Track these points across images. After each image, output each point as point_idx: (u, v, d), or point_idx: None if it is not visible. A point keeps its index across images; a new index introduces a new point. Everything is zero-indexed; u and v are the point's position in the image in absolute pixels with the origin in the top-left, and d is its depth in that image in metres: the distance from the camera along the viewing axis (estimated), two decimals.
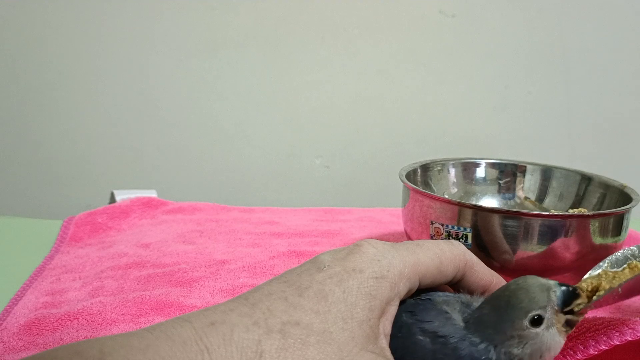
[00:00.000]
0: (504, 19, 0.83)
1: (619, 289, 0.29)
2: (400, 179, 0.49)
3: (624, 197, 0.48)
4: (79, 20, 0.80)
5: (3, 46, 0.80)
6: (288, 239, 0.59)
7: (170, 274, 0.48)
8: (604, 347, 0.31)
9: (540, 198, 0.55)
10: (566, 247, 0.42)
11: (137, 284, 0.47)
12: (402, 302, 0.29)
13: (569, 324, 0.27)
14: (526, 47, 0.85)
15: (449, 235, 0.43)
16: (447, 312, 0.28)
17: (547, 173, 0.55)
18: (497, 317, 0.27)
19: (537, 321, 0.26)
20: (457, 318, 0.28)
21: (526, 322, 0.26)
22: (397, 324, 0.28)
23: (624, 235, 0.45)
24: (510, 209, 0.47)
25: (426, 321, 0.28)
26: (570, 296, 0.27)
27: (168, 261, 0.52)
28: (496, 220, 0.42)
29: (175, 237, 0.59)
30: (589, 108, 0.87)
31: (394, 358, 0.27)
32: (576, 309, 0.27)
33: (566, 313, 0.27)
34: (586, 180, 0.53)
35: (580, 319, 0.27)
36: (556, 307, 0.26)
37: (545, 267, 0.42)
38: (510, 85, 0.85)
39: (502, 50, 0.84)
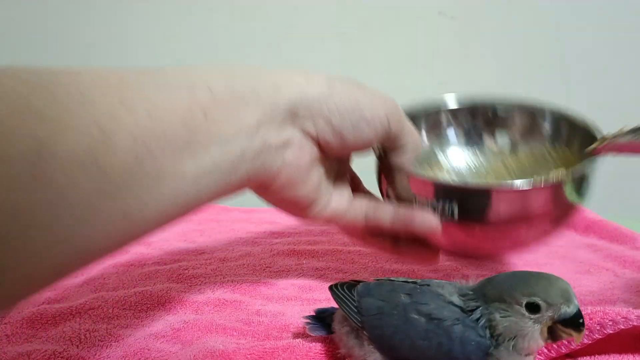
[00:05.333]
0: (503, 21, 0.84)
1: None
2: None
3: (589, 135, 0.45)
4: (79, 21, 0.81)
5: (3, 46, 0.81)
6: (288, 238, 0.59)
7: (171, 271, 0.49)
8: (597, 335, 0.32)
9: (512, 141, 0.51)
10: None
11: (138, 280, 0.47)
12: (401, 286, 0.31)
13: (552, 336, 0.28)
14: (525, 49, 0.85)
15: (434, 209, 0.40)
16: (442, 295, 0.29)
17: (515, 113, 0.50)
18: (508, 280, 0.28)
19: (532, 308, 0.27)
20: (454, 298, 0.29)
21: (524, 300, 0.27)
22: (393, 302, 0.29)
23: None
24: (475, 186, 0.42)
25: (422, 303, 0.29)
26: (574, 320, 0.27)
27: (169, 259, 0.52)
28: (473, 197, 0.39)
29: (176, 236, 0.59)
30: (589, 110, 0.87)
31: (386, 334, 0.29)
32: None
33: (561, 324, 0.27)
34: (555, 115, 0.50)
35: (565, 337, 0.28)
36: (556, 317, 0.27)
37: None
38: (509, 87, 0.86)
39: (501, 52, 0.85)
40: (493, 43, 0.85)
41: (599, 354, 0.33)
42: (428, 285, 0.30)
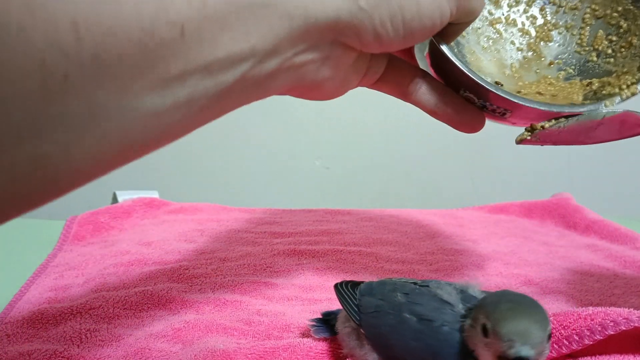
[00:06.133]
0: None
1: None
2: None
3: None
4: None
5: None
6: (288, 238, 0.59)
7: (172, 271, 0.49)
8: (598, 337, 0.31)
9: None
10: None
11: (139, 280, 0.47)
12: (402, 286, 0.31)
13: None
14: None
15: (483, 107, 0.37)
16: (439, 295, 0.29)
17: None
18: (493, 298, 0.27)
19: (484, 331, 0.26)
20: (452, 298, 0.29)
21: (481, 321, 0.26)
22: (390, 302, 0.30)
23: None
24: (553, 109, 0.36)
25: (416, 303, 0.29)
26: None
27: (170, 259, 0.52)
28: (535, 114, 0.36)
29: (176, 236, 0.59)
30: None
31: (382, 334, 0.30)
32: None
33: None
34: None
35: None
36: (500, 351, 0.25)
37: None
38: None
39: None
40: None
41: (600, 354, 0.33)
42: (427, 286, 0.30)
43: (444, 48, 0.34)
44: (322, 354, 0.34)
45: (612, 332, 0.31)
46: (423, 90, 0.36)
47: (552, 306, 0.43)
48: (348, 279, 0.49)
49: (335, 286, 0.36)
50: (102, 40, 0.20)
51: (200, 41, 0.22)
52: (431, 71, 0.38)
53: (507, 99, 0.35)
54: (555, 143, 0.37)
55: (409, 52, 0.38)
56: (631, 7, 0.40)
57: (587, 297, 0.45)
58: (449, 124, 0.37)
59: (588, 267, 0.52)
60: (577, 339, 0.32)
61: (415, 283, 0.32)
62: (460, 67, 0.34)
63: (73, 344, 0.36)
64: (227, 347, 0.34)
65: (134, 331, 0.38)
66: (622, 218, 0.68)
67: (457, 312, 0.28)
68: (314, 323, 0.36)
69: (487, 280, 0.49)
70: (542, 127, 0.36)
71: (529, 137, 0.36)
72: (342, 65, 0.30)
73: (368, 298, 0.32)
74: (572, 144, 0.37)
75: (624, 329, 0.31)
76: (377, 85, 0.36)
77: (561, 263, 0.53)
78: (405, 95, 0.36)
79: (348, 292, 0.34)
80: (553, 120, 0.35)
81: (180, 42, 0.21)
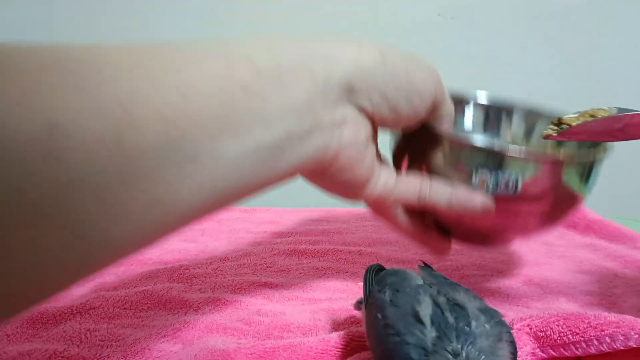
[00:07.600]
0: (503, 22, 0.84)
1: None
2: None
3: None
4: (79, 20, 0.81)
5: None
6: (288, 238, 0.59)
7: (172, 270, 0.49)
8: (605, 348, 0.31)
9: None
10: None
11: (139, 279, 0.47)
12: (401, 281, 0.32)
13: None
14: (526, 50, 0.85)
15: (496, 186, 0.37)
16: (415, 309, 0.28)
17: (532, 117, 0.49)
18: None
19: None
20: (423, 310, 0.28)
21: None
22: (380, 297, 0.30)
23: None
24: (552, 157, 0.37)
25: (395, 306, 0.29)
26: None
27: (170, 258, 0.52)
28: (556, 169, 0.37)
29: (177, 236, 0.59)
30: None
31: (367, 324, 0.31)
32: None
33: None
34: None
35: None
36: None
37: None
38: (511, 87, 0.86)
39: (502, 54, 0.85)
40: (493, 44, 0.85)
41: (603, 356, 0.33)
42: (429, 285, 0.30)
43: (443, 131, 0.38)
44: (322, 353, 0.34)
45: (620, 347, 0.31)
46: (438, 189, 0.38)
47: (552, 306, 0.43)
48: (348, 278, 0.49)
49: (367, 269, 0.37)
50: (197, 97, 0.25)
51: (257, 98, 0.27)
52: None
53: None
54: (579, 140, 0.38)
55: None
56: None
57: (587, 297, 0.45)
58: (460, 214, 0.38)
59: (588, 267, 0.52)
60: (585, 346, 0.31)
61: (422, 283, 0.31)
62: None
63: (73, 343, 0.36)
64: (227, 347, 0.34)
65: (133, 331, 0.38)
66: (622, 218, 0.68)
67: (426, 333, 0.26)
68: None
69: (486, 280, 0.49)
70: (569, 125, 0.36)
71: (555, 134, 0.37)
72: (361, 133, 0.34)
73: (375, 287, 0.33)
74: (596, 141, 0.39)
75: (634, 346, 0.30)
76: (391, 198, 0.39)
77: (561, 262, 0.53)
78: (421, 199, 0.39)
79: (370, 278, 0.35)
80: (580, 119, 0.36)
81: (245, 100, 0.27)
